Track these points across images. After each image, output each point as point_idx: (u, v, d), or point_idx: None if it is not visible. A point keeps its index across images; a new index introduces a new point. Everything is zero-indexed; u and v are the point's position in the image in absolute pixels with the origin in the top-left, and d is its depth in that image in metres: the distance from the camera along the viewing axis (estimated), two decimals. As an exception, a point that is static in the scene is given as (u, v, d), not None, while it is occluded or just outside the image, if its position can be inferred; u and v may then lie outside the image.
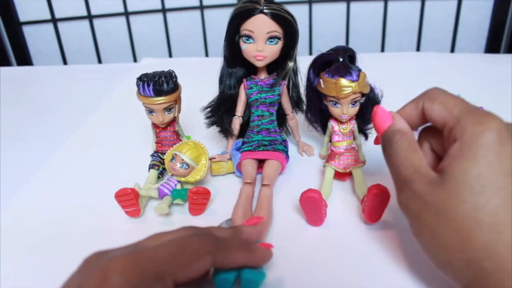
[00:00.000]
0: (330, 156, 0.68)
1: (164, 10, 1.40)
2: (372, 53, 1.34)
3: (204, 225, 0.61)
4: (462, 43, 1.39)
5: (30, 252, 0.58)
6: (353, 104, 0.63)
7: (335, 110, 0.65)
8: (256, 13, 0.63)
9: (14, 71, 1.34)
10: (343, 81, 0.60)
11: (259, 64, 0.67)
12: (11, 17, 1.39)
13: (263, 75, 0.71)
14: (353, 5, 1.36)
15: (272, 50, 0.65)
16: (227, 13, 0.67)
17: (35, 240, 0.60)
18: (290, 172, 0.72)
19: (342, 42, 1.39)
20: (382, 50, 1.41)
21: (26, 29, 1.44)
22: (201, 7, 1.38)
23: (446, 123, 0.41)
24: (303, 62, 0.70)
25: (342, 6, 1.37)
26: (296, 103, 0.75)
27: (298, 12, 1.03)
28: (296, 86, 0.73)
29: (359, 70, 0.62)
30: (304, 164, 0.75)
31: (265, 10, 0.63)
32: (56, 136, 0.89)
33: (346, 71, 0.61)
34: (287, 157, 0.72)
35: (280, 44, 0.65)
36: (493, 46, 1.37)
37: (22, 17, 1.42)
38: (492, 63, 1.18)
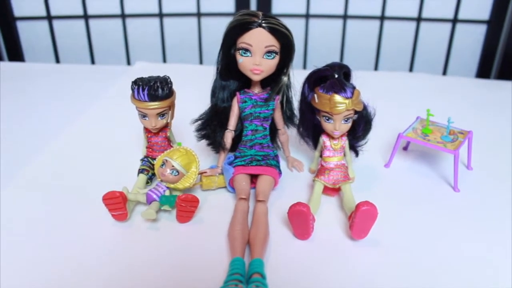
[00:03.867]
0: (320, 171, 0.68)
1: (161, 15, 1.40)
2: (366, 71, 1.35)
3: (191, 233, 0.61)
4: (454, 66, 1.41)
5: (14, 252, 0.57)
6: (346, 121, 0.64)
7: (327, 126, 0.65)
8: (254, 27, 0.62)
9: (4, 66, 1.32)
10: (337, 98, 0.61)
11: (256, 78, 0.66)
12: (6, 12, 1.38)
13: (257, 89, 0.71)
14: (349, 22, 1.38)
15: (269, 65, 0.65)
16: (224, 22, 0.66)
17: (18, 239, 0.59)
18: (279, 186, 0.72)
19: (336, 58, 1.40)
20: (376, 68, 1.43)
21: (20, 25, 1.43)
22: (198, 15, 1.39)
23: None
24: (297, 76, 0.71)
25: (339, 22, 1.38)
26: (289, 118, 0.75)
27: (295, 26, 1.04)
28: (289, 101, 0.73)
29: (354, 88, 0.63)
30: (293, 179, 0.75)
31: (263, 24, 0.62)
32: (44, 135, 0.88)
33: (341, 88, 0.62)
34: (280, 172, 0.72)
35: (277, 58, 0.65)
36: (484, 71, 1.39)
37: (17, 12, 1.41)
38: (483, 88, 1.20)
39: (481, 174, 0.77)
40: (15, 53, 1.45)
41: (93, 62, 1.47)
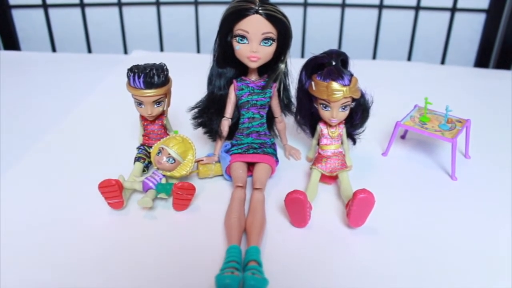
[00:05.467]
0: (317, 159, 0.68)
1: (158, 3, 1.39)
2: (364, 60, 1.35)
3: (188, 221, 0.61)
4: (452, 55, 1.41)
5: (13, 241, 0.57)
6: (343, 108, 0.64)
7: (325, 114, 0.65)
8: (251, 13, 0.62)
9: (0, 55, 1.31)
10: (335, 85, 0.61)
11: (253, 65, 0.66)
12: (1, 0, 1.37)
13: (254, 77, 0.70)
14: (347, 11, 1.37)
15: (266, 52, 0.65)
16: (221, 10, 0.66)
17: (16, 228, 0.59)
18: (276, 174, 0.72)
19: (334, 47, 1.38)
20: (374, 57, 1.42)
21: (16, 13, 1.42)
22: (196, 3, 1.38)
23: None
24: (294, 64, 0.70)
25: (337, 11, 1.37)
26: (286, 106, 0.74)
27: (292, 14, 1.03)
28: (287, 88, 0.73)
29: (351, 75, 0.63)
30: (290, 168, 0.74)
31: (260, 11, 0.62)
32: (40, 124, 0.88)
33: (338, 75, 0.61)
34: (277, 160, 0.72)
35: (274, 46, 0.65)
36: (482, 60, 1.38)
37: (13, 0, 1.39)
38: (481, 77, 1.19)
39: (479, 163, 0.77)
40: (11, 42, 1.44)
41: (89, 51, 1.46)
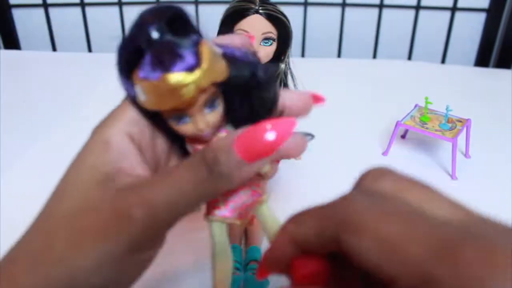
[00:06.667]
0: (211, 203, 0.32)
1: (158, 3, 1.38)
2: (364, 59, 1.35)
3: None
4: (452, 55, 1.41)
5: (13, 241, 0.57)
6: (210, 107, 0.27)
7: (185, 128, 0.28)
8: (251, 13, 0.62)
9: (0, 54, 1.31)
10: (172, 77, 0.26)
11: None
12: (1, 0, 1.37)
13: None
14: (348, 10, 1.37)
15: (266, 52, 0.64)
16: (221, 10, 0.66)
17: (16, 228, 0.59)
18: (276, 174, 0.72)
19: (334, 46, 1.39)
20: (374, 56, 1.42)
21: (16, 12, 1.42)
22: (196, 2, 1.38)
23: (395, 275, 0.17)
24: (295, 64, 0.70)
25: (337, 10, 1.37)
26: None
27: (293, 14, 1.03)
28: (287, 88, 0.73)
29: (197, 42, 0.26)
30: (290, 167, 0.75)
31: (260, 11, 0.62)
32: (41, 123, 0.88)
33: (171, 56, 0.26)
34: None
35: (274, 45, 0.65)
36: (483, 60, 1.38)
37: (13, 0, 1.39)
38: (481, 77, 1.19)
39: (479, 162, 0.77)
40: (11, 41, 1.44)
41: (90, 50, 1.46)
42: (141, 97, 0.27)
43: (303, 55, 1.41)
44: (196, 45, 0.25)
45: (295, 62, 0.71)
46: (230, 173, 0.23)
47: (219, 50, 0.27)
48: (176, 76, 0.25)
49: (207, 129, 0.27)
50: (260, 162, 0.24)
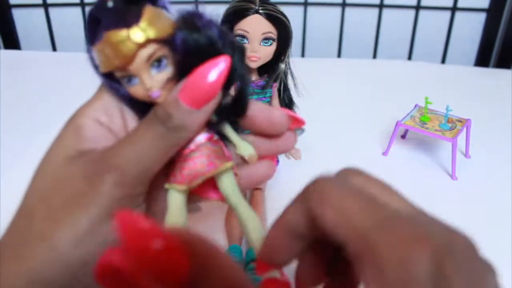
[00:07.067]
0: (172, 170, 0.31)
1: (158, 3, 1.38)
2: (364, 59, 1.35)
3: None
4: (452, 55, 1.41)
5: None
6: (158, 67, 0.28)
7: (136, 90, 0.29)
8: (251, 13, 0.62)
9: (0, 54, 1.31)
10: (111, 35, 0.27)
11: (253, 65, 0.66)
12: (1, 0, 1.37)
13: (254, 77, 0.70)
14: (348, 10, 1.37)
15: (266, 52, 0.65)
16: (221, 10, 0.65)
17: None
18: (276, 174, 0.72)
19: (334, 46, 1.39)
20: (374, 56, 1.42)
21: (16, 12, 1.42)
22: (196, 2, 1.38)
23: (346, 240, 0.21)
24: (295, 64, 0.70)
25: (337, 10, 1.37)
26: (286, 106, 0.74)
27: (293, 14, 1.03)
28: (287, 88, 0.73)
29: (143, 4, 0.28)
30: (290, 168, 0.75)
31: (260, 11, 0.62)
32: (41, 123, 0.88)
33: (116, 19, 0.27)
34: (277, 160, 0.72)
35: (274, 45, 0.65)
36: (483, 60, 1.38)
37: (13, 0, 1.39)
38: (482, 77, 1.19)
39: (479, 162, 0.77)
40: (11, 41, 1.44)
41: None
42: (97, 61, 0.29)
43: (303, 55, 1.41)
44: (141, 7, 0.27)
45: (295, 62, 0.71)
46: (183, 123, 0.25)
47: (172, 15, 0.29)
48: (115, 33, 0.27)
49: (155, 90, 0.28)
50: (208, 106, 0.26)
